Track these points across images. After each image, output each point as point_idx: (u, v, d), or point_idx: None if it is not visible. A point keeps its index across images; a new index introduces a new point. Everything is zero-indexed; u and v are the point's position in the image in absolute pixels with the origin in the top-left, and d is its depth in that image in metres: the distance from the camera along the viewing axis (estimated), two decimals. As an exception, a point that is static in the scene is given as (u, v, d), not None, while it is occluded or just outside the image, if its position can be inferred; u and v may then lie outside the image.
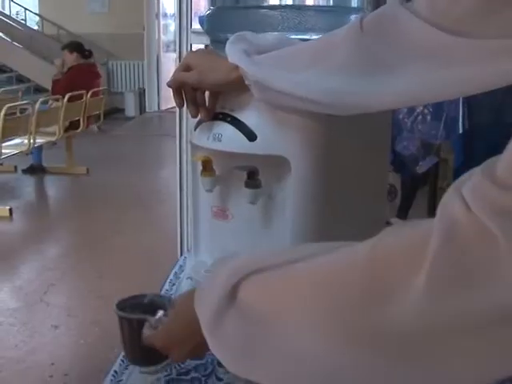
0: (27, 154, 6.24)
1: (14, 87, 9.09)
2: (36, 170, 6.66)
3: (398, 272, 0.51)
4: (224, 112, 1.11)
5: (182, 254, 1.52)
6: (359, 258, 0.57)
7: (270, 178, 1.13)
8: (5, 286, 3.67)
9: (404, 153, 3.38)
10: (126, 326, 0.91)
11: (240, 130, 1.08)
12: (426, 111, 3.27)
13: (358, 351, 0.53)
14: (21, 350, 2.97)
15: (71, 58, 6.77)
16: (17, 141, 5.78)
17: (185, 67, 1.04)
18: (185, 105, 1.07)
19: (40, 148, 6.49)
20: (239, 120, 1.09)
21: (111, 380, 0.98)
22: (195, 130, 1.18)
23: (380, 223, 1.32)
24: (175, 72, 1.07)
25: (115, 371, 1.00)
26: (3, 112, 5.04)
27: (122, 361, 1.02)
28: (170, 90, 1.07)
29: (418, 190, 4.28)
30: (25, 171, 6.68)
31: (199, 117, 1.11)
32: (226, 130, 1.10)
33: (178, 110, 1.40)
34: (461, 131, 3.23)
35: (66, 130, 6.40)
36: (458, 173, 3.61)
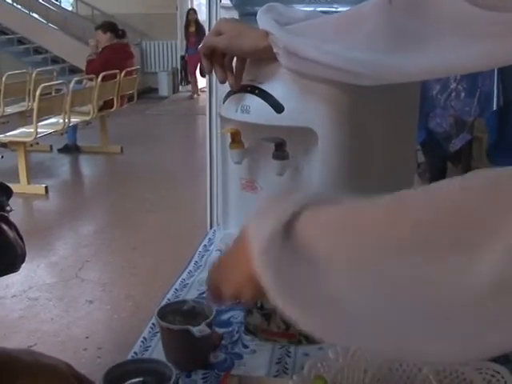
0: (62, 134, 6.35)
1: (49, 68, 9.18)
2: (71, 149, 6.76)
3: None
4: (252, 84, 1.12)
5: (211, 228, 1.54)
6: (444, 194, 0.52)
7: (297, 150, 1.14)
8: (41, 263, 3.76)
9: (437, 130, 3.34)
10: (166, 334, 0.94)
11: (267, 102, 1.09)
12: (459, 88, 3.23)
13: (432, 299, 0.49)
14: (56, 323, 3.04)
15: (105, 38, 6.82)
16: (52, 120, 5.87)
17: (216, 33, 1.05)
18: (213, 71, 1.09)
19: (75, 127, 6.59)
20: (267, 92, 1.09)
21: (140, 346, 1.01)
22: (224, 102, 1.19)
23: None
24: (206, 37, 1.08)
25: (144, 338, 1.03)
26: (38, 92, 5.11)
27: (151, 328, 1.05)
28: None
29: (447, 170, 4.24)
30: (60, 150, 6.79)
31: (227, 85, 1.12)
32: (254, 102, 1.11)
33: (208, 83, 1.41)
34: (495, 108, 3.18)
35: (100, 109, 6.48)
36: (491, 151, 3.56)
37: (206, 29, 1.45)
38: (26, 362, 0.69)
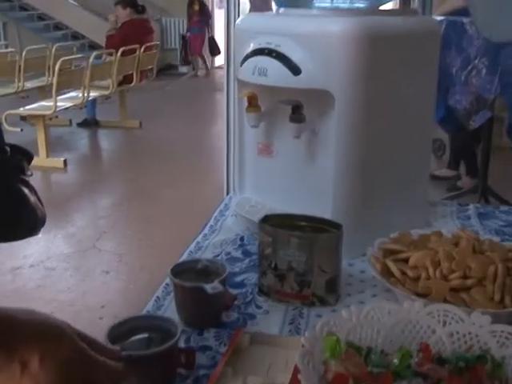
0: (81, 108, 6.36)
1: (69, 43, 9.18)
2: (90, 123, 6.78)
3: None
4: (269, 47, 1.11)
5: (227, 194, 1.54)
6: None
7: (314, 112, 1.13)
8: (59, 233, 3.79)
9: (456, 107, 3.29)
10: (179, 292, 0.94)
11: (284, 65, 1.08)
12: (480, 65, 3.18)
13: None
14: (73, 293, 3.07)
15: (124, 14, 6.80)
16: (71, 94, 5.89)
17: None
18: None
19: (94, 102, 6.60)
20: (284, 55, 1.09)
21: (153, 305, 1.01)
22: (241, 65, 1.18)
23: (424, 168, 1.31)
24: None
25: (157, 297, 1.04)
26: (58, 66, 5.12)
27: (165, 287, 1.06)
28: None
29: (474, 148, 4.20)
30: (79, 124, 6.81)
31: (244, 49, 1.10)
32: (271, 64, 1.10)
33: (226, 45, 1.38)
34: (517, 86, 3.13)
35: (120, 84, 6.48)
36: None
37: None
38: (25, 321, 0.65)
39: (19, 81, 6.24)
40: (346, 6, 1.23)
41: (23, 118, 5.67)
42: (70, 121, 6.83)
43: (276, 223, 1.00)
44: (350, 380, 0.67)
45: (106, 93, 6.33)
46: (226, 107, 1.32)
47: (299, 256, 0.96)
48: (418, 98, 1.18)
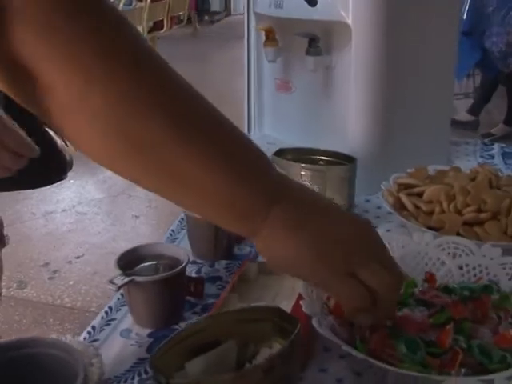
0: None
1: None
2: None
3: None
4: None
5: (248, 131, 1.53)
6: None
7: (331, 46, 1.11)
8: (90, 180, 3.83)
9: (492, 49, 3.20)
10: (191, 224, 0.95)
11: (301, -5, 1.05)
12: (519, 4, 3.06)
13: None
14: (103, 236, 3.13)
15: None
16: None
17: None
18: None
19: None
20: (300, -16, 1.06)
21: (167, 238, 1.02)
22: (258, -2, 1.16)
23: (446, 109, 1.28)
24: None
25: (172, 230, 1.04)
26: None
27: (180, 221, 1.06)
28: None
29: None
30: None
31: None
32: (287, -5, 1.08)
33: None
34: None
35: (150, 30, 6.43)
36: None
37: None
38: None
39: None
40: None
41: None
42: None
43: (290, 157, 0.99)
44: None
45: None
46: (247, 43, 1.30)
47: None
48: (439, 37, 1.14)
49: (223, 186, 0.51)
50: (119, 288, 0.75)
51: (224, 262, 0.93)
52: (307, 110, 1.19)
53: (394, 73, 1.08)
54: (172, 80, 0.51)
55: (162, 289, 0.77)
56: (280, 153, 1.01)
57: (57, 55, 0.45)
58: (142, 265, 0.81)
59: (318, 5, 1.04)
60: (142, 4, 6.12)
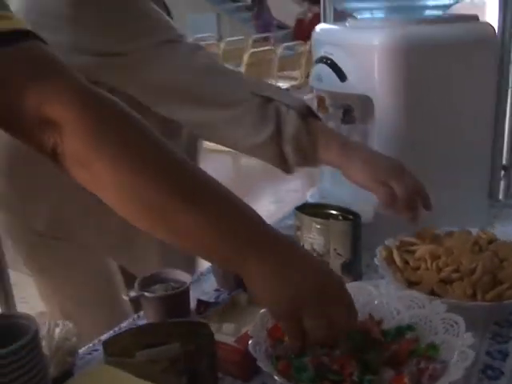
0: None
1: (266, 35, 9.58)
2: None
3: None
4: (326, 56, 1.26)
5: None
6: None
7: (361, 116, 1.26)
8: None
9: None
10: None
11: (334, 71, 1.23)
12: None
13: None
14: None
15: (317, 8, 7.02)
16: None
17: None
18: None
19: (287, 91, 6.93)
20: (334, 62, 1.23)
21: (196, 278, 1.22)
22: (311, 72, 1.35)
23: (482, 176, 1.34)
24: None
25: (201, 272, 1.24)
26: (246, 58, 5.51)
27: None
28: None
29: None
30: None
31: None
32: (325, 71, 1.25)
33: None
34: None
35: (308, 75, 6.73)
36: None
37: None
38: None
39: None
40: (396, 16, 1.31)
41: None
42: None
43: (308, 211, 1.16)
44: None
45: (295, 83, 6.64)
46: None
47: (319, 239, 1.12)
48: (469, 104, 1.25)
49: (212, 239, 0.72)
50: (130, 300, 0.98)
51: (241, 290, 1.11)
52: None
53: (416, 145, 1.21)
54: (174, 159, 0.74)
55: (165, 304, 0.98)
56: (302, 207, 1.18)
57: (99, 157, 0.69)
58: (157, 285, 1.03)
59: (347, 80, 1.21)
60: (303, 49, 6.44)
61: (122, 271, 1.38)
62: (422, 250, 1.07)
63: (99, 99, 0.71)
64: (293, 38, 7.88)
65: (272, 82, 6.04)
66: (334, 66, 1.23)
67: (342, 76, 1.21)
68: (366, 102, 1.21)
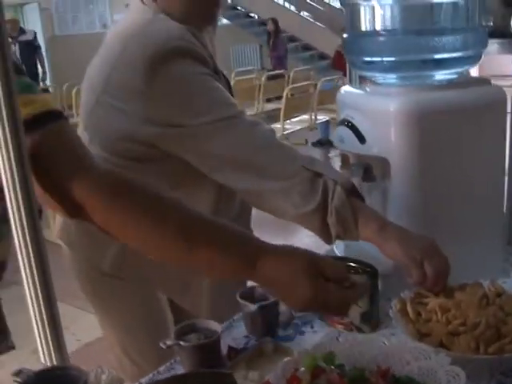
0: (311, 130, 6.87)
1: (306, 67, 9.74)
2: (324, 143, 7.27)
3: None
4: (347, 119, 1.37)
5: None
6: None
7: (384, 174, 1.35)
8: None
9: None
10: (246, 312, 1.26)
11: (354, 134, 1.33)
12: None
13: None
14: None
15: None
16: (302, 117, 6.41)
17: None
18: None
19: (327, 123, 7.06)
20: (354, 125, 1.34)
21: (227, 326, 1.33)
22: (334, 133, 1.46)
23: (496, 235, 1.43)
24: None
25: (233, 319, 1.35)
26: (285, 92, 5.66)
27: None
28: None
29: None
30: (313, 144, 7.35)
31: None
32: (346, 133, 1.36)
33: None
34: None
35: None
36: None
37: None
38: None
39: (258, 103, 6.95)
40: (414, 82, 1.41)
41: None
42: (306, 140, 7.41)
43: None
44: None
45: (335, 115, 6.73)
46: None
47: (340, 291, 1.22)
48: (480, 165, 1.33)
49: (221, 261, 0.95)
50: (167, 347, 1.10)
51: (268, 339, 1.22)
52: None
53: (431, 206, 1.30)
54: (176, 209, 0.97)
55: (198, 352, 1.10)
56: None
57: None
58: (192, 334, 1.14)
59: (366, 142, 1.31)
60: (341, 82, 6.54)
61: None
62: (434, 302, 1.16)
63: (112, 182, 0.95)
64: (332, 68, 8.04)
65: (312, 114, 6.17)
66: (354, 129, 1.33)
67: (361, 138, 1.32)
68: (383, 163, 1.31)
